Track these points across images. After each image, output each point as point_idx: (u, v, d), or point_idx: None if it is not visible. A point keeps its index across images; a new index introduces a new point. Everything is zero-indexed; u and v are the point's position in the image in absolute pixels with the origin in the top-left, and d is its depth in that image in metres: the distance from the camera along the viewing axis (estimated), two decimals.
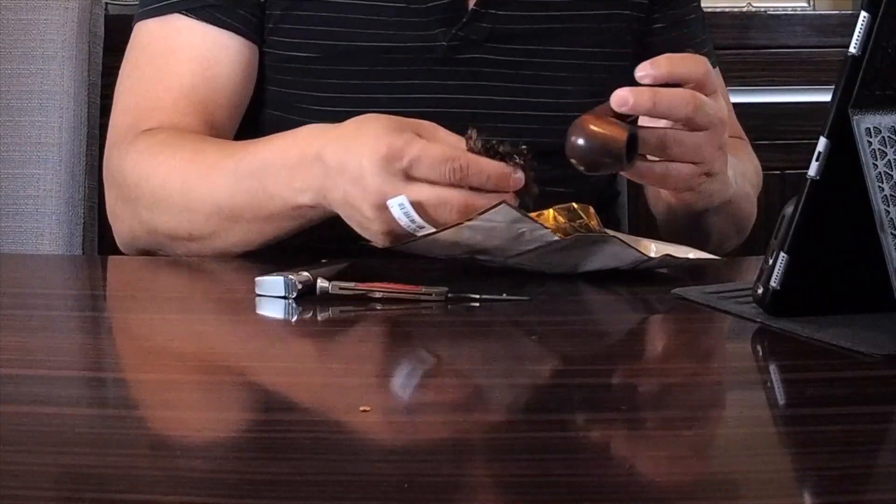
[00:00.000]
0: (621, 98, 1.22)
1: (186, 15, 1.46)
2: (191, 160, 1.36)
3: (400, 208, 1.19)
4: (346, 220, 1.27)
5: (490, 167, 1.21)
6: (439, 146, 1.21)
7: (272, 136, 1.34)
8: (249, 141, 1.37)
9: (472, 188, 1.20)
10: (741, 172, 1.43)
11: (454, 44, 1.46)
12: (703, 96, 1.25)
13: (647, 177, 1.29)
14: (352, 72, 1.46)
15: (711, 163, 1.29)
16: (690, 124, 1.25)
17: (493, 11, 1.47)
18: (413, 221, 1.19)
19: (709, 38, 1.62)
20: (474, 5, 1.47)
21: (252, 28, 1.46)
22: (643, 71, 1.24)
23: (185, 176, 1.35)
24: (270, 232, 1.34)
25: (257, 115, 1.50)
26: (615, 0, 1.53)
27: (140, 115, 1.45)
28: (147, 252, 1.43)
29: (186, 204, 1.35)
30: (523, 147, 1.23)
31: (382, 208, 1.21)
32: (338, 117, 1.35)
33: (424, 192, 1.20)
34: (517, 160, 1.21)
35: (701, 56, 1.28)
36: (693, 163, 1.27)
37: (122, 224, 1.44)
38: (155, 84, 1.46)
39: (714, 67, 1.60)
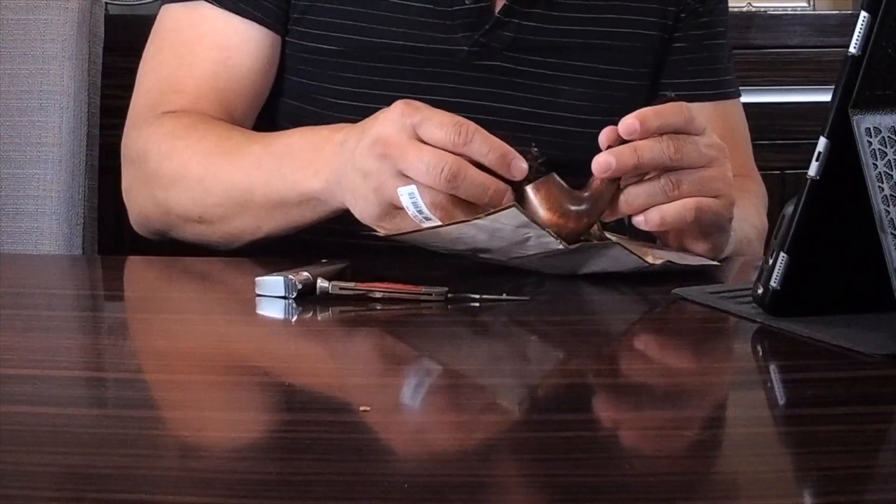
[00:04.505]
0: (604, 164, 1.21)
1: (211, 3, 1.47)
2: (217, 144, 1.38)
3: (409, 197, 1.19)
4: (352, 207, 1.26)
5: (496, 142, 1.19)
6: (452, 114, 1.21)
7: (309, 126, 1.36)
8: (283, 131, 1.38)
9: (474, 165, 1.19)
10: (743, 218, 1.41)
11: (475, 49, 1.46)
12: (686, 136, 1.24)
13: (679, 220, 1.24)
14: (372, 68, 1.46)
15: (730, 192, 1.27)
16: (682, 166, 1.23)
17: (518, 21, 1.47)
18: (420, 212, 1.20)
19: (732, 66, 1.60)
20: (499, 13, 1.47)
21: (275, 19, 1.48)
22: (629, 127, 1.22)
23: (209, 159, 1.37)
24: (278, 220, 1.34)
25: (274, 103, 1.51)
26: (641, 20, 1.52)
27: (161, 97, 1.46)
28: (159, 232, 1.44)
29: (203, 185, 1.36)
30: (535, 150, 1.22)
31: (381, 155, 1.19)
32: (354, 111, 1.36)
33: (424, 153, 1.18)
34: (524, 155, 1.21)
35: (680, 103, 1.26)
36: (713, 196, 1.25)
37: (136, 203, 1.45)
38: (177, 69, 1.47)
39: (736, 97, 1.59)
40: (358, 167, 1.23)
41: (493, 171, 1.20)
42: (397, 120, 1.20)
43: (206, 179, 1.36)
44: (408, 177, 1.19)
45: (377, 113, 1.24)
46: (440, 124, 1.19)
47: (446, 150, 1.18)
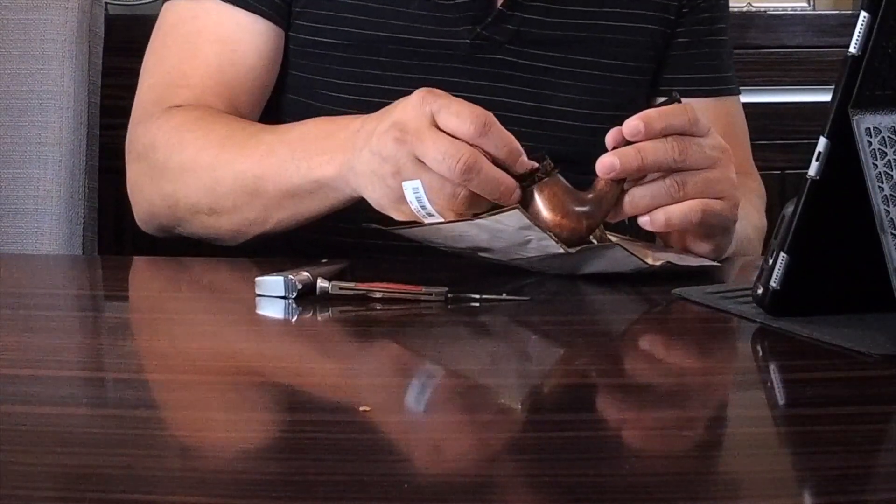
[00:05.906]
0: (608, 165, 1.21)
1: None
2: (228, 135, 1.37)
3: (413, 193, 1.19)
4: (366, 193, 1.24)
5: (509, 137, 1.19)
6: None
7: (326, 116, 1.35)
8: (298, 122, 1.37)
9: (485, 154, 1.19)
10: (743, 217, 1.41)
11: (477, 42, 1.46)
12: (691, 138, 1.23)
13: (685, 221, 1.24)
14: (373, 61, 1.46)
15: (734, 194, 1.27)
16: (686, 167, 1.23)
17: (520, 14, 1.47)
18: (423, 208, 1.19)
19: (732, 63, 1.60)
20: (501, 6, 1.46)
21: (278, 12, 1.47)
22: (632, 129, 1.21)
23: (220, 149, 1.35)
24: (288, 210, 1.33)
25: (278, 100, 1.51)
26: (643, 14, 1.52)
27: (166, 91, 1.46)
28: (165, 228, 1.43)
29: (213, 175, 1.35)
30: (547, 162, 1.22)
31: (398, 140, 1.19)
32: (357, 105, 1.35)
33: (440, 143, 1.18)
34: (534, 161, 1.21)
35: (684, 104, 1.26)
36: (718, 198, 1.25)
37: (143, 197, 1.44)
38: (181, 63, 1.47)
39: (736, 94, 1.59)
40: (375, 151, 1.21)
41: (502, 167, 1.20)
42: (417, 106, 1.20)
43: (217, 169, 1.35)
44: (423, 163, 1.18)
45: (399, 100, 1.23)
46: (458, 113, 1.19)
47: (462, 140, 1.18)
